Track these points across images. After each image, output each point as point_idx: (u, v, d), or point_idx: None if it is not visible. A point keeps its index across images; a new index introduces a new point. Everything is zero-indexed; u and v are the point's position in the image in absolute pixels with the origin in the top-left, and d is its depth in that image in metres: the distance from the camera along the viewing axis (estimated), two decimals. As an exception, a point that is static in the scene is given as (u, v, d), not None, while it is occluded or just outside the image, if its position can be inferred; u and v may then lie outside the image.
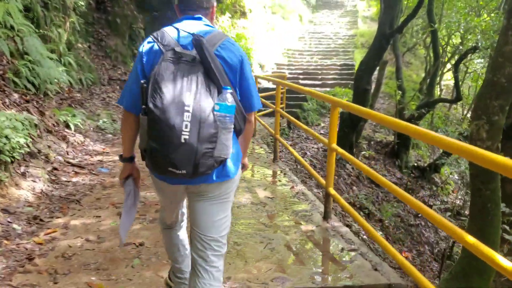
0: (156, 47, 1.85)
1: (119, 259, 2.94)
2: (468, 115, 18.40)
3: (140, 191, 2.17)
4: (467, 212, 10.19)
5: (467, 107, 18.52)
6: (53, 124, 5.94)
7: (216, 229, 2.01)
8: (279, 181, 4.93)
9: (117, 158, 5.71)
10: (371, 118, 3.01)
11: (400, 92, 11.04)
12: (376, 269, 2.95)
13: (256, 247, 3.19)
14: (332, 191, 3.64)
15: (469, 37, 12.13)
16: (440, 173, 12.10)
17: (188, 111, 1.66)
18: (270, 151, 6.70)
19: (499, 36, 4.47)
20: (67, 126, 6.33)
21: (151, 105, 1.67)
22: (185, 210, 2.38)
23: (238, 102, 1.89)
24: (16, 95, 5.71)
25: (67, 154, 5.50)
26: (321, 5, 29.01)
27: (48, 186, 4.17)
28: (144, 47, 1.89)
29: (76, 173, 4.77)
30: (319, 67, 17.33)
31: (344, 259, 3.09)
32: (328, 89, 15.03)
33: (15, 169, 4.15)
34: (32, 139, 4.98)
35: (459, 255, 9.14)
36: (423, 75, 18.61)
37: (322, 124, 12.01)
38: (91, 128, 7.11)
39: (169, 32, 1.90)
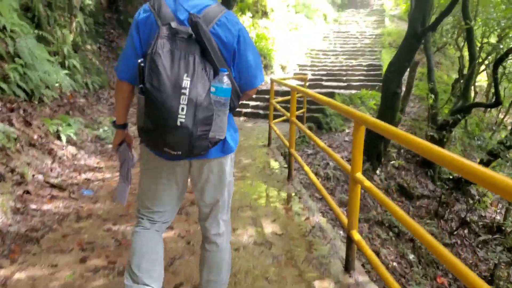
0: (152, 18, 1.81)
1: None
2: (506, 120, 17.11)
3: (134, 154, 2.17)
4: (508, 229, 9.13)
5: (504, 111, 17.24)
6: (40, 136, 5.28)
7: (219, 202, 2.09)
8: (292, 208, 4.11)
9: (109, 175, 5.01)
10: (399, 140, 2.17)
11: (432, 95, 10.03)
12: None
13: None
14: (356, 235, 2.79)
15: (511, 35, 11.00)
16: (476, 185, 11.00)
17: (184, 93, 1.66)
18: (285, 166, 5.88)
19: None
20: (58, 138, 5.66)
21: (148, 86, 1.66)
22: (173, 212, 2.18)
23: (233, 81, 1.88)
24: (-2, 104, 5.08)
25: (50, 171, 4.81)
26: (347, 4, 28.01)
27: (8, 218, 3.46)
28: (140, 15, 1.85)
29: (52, 198, 4.07)
30: (344, 67, 16.37)
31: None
32: (353, 91, 14.08)
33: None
34: (7, 155, 4.29)
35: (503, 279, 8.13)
36: (454, 76, 17.43)
37: (347, 131, 11.08)
38: (89, 138, 6.43)
39: (166, 2, 1.85)
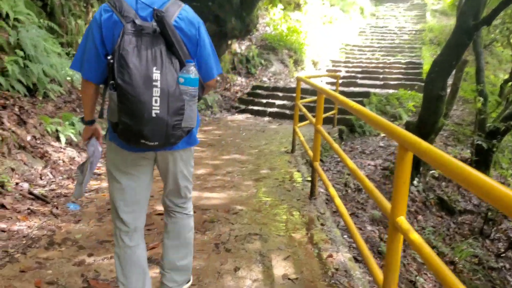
0: (114, 17, 1.81)
1: None
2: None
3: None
4: None
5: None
6: (34, 137, 4.70)
7: (184, 185, 2.20)
8: (312, 239, 3.35)
9: (106, 184, 4.37)
10: (468, 184, 1.38)
11: (481, 98, 8.98)
12: None
13: None
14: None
15: None
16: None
17: (156, 86, 1.73)
18: (309, 179, 5.11)
19: None
20: (58, 138, 5.08)
21: (119, 81, 1.70)
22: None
23: (197, 73, 1.92)
24: (-13, 100, 4.53)
25: (40, 178, 4.21)
26: (385, -3, 26.65)
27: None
28: (102, 15, 1.84)
29: (30, 214, 3.43)
30: (380, 65, 15.34)
31: None
32: (390, 90, 13.07)
33: None
34: (-15, 161, 3.71)
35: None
36: (502, 76, 16.10)
37: (382, 135, 10.17)
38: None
39: (126, 0, 1.85)
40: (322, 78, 14.90)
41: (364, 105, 10.17)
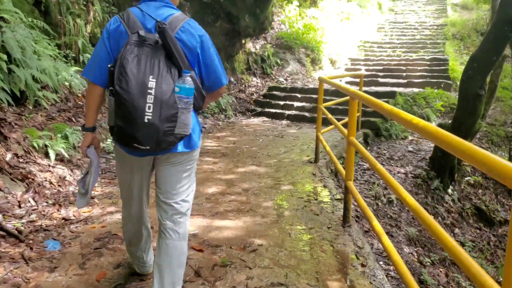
0: (122, 28, 1.98)
1: None
2: None
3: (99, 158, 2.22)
4: None
5: None
6: (16, 155, 4.03)
7: (180, 194, 2.19)
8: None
9: (99, 211, 3.68)
10: None
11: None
12: None
13: None
14: None
15: None
16: None
17: (151, 93, 1.82)
18: (338, 197, 4.35)
19: None
20: (46, 155, 4.41)
21: (117, 88, 1.82)
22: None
23: (197, 82, 2.04)
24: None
25: (18, 206, 3.53)
26: (403, -8, 25.65)
27: None
28: (111, 26, 2.01)
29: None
30: (403, 62, 14.46)
31: None
32: (415, 89, 12.22)
33: None
34: None
35: None
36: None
37: (410, 138, 9.34)
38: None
39: (134, 13, 2.02)
40: (341, 78, 14.10)
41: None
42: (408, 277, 2.12)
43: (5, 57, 4.81)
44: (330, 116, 5.31)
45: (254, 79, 12.01)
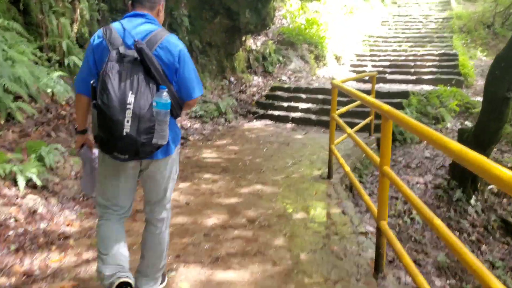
0: (104, 43, 2.10)
1: None
2: None
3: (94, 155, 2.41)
4: None
5: None
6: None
7: (162, 194, 2.41)
8: None
9: (73, 258, 2.99)
10: None
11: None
12: None
13: None
14: None
15: None
16: None
17: (129, 108, 1.95)
18: (362, 230, 3.68)
19: None
20: (14, 182, 3.71)
21: (99, 102, 1.96)
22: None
23: (175, 95, 2.21)
24: None
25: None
26: (406, -17, 24.81)
27: None
28: (95, 41, 2.15)
29: None
30: (411, 57, 13.75)
31: None
32: (425, 86, 11.55)
33: None
34: None
35: None
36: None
37: (425, 142, 8.65)
38: (73, 174, 4.47)
39: (116, 29, 2.14)
40: (346, 74, 13.39)
41: (402, 107, 8.66)
42: None
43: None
44: (344, 125, 4.64)
45: (256, 78, 11.29)
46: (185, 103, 2.30)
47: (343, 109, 5.72)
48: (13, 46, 5.20)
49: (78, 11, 7.20)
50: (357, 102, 6.32)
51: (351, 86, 8.69)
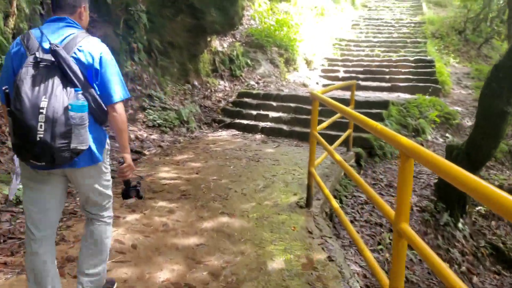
0: (22, 50, 2.07)
1: None
2: None
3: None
4: None
5: None
6: None
7: (97, 204, 2.38)
8: None
9: None
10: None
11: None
12: None
13: None
14: None
15: None
16: None
17: (42, 113, 1.91)
18: (356, 284, 2.85)
19: None
20: None
21: (13, 108, 1.92)
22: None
23: (96, 98, 2.15)
24: None
25: None
26: (376, -13, 24.51)
27: None
28: (13, 49, 2.12)
29: None
30: (385, 63, 13.20)
31: None
32: (401, 94, 10.97)
33: None
34: None
35: None
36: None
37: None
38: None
39: (35, 35, 2.10)
40: (317, 80, 12.69)
41: (382, 119, 7.96)
42: None
43: None
44: (325, 143, 3.85)
45: (222, 82, 10.39)
46: (109, 109, 2.21)
47: (324, 124, 4.91)
48: None
49: (15, 3, 6.12)
50: (338, 115, 5.55)
51: (326, 95, 7.91)
